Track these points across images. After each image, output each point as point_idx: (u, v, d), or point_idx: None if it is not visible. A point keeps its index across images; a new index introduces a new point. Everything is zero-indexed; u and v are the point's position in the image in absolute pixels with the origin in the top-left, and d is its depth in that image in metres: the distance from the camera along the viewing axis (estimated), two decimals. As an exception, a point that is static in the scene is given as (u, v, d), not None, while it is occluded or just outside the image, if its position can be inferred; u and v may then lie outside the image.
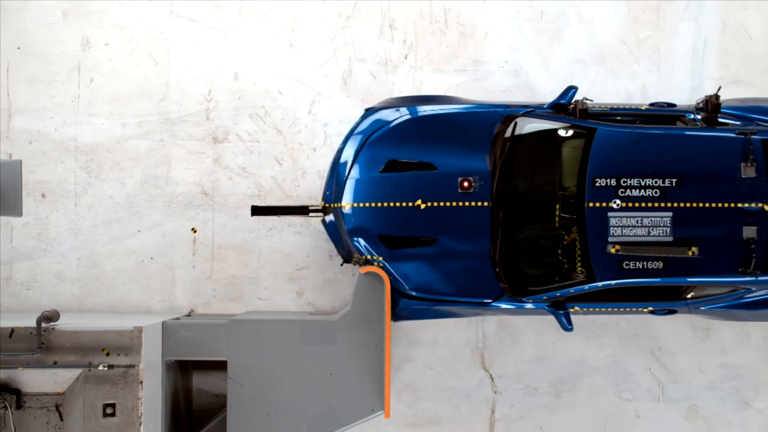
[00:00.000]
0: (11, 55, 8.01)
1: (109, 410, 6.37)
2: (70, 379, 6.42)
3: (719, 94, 6.84)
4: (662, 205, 6.49)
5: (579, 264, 6.64)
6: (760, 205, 6.49)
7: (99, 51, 8.06)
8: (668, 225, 6.48)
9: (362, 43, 8.11)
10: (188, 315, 7.88)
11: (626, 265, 6.51)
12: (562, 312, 6.73)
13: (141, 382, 6.39)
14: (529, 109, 6.86)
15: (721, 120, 6.83)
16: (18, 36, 8.02)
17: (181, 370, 7.52)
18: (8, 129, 7.95)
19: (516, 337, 8.02)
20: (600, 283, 6.53)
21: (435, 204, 6.70)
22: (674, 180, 6.50)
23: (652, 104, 7.08)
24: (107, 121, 8.01)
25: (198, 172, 8.01)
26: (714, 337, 8.04)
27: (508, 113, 6.84)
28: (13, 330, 6.40)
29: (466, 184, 6.67)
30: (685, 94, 8.03)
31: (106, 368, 6.36)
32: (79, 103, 8.01)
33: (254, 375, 6.79)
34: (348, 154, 6.93)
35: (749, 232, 6.49)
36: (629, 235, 6.48)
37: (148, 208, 7.98)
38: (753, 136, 6.55)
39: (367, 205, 6.78)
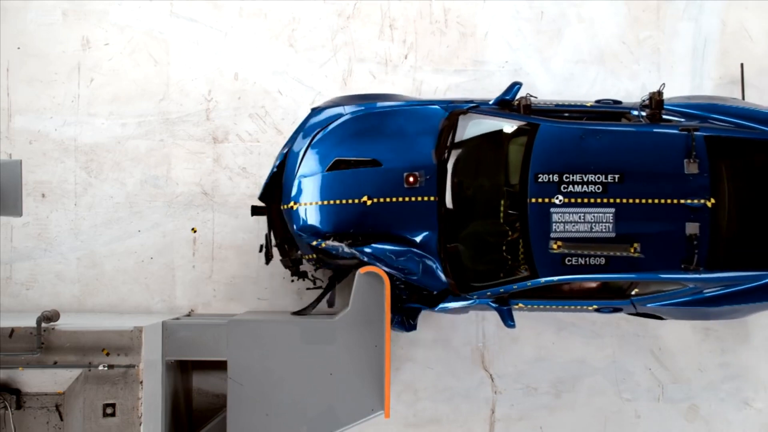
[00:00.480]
0: (11, 55, 8.01)
1: (109, 410, 6.37)
2: (70, 379, 6.42)
3: (662, 90, 6.80)
4: (604, 201, 6.48)
5: (522, 260, 6.63)
6: (702, 201, 6.49)
7: (99, 51, 8.06)
8: (611, 221, 6.47)
9: (362, 43, 8.11)
10: (188, 315, 7.88)
11: (568, 261, 6.50)
12: (505, 308, 6.72)
13: (141, 382, 6.39)
14: (473, 105, 6.86)
15: (665, 117, 6.79)
16: (18, 36, 8.02)
17: (181, 370, 7.52)
18: (8, 129, 7.95)
19: (516, 337, 8.02)
20: (542, 279, 6.52)
21: (381, 200, 6.69)
22: (617, 176, 6.49)
23: (597, 101, 7.05)
24: (107, 121, 8.01)
25: (198, 172, 8.01)
26: (714, 337, 8.05)
27: (453, 108, 6.83)
28: (13, 330, 6.39)
29: (411, 179, 6.65)
30: (685, 95, 8.03)
31: (106, 368, 6.36)
32: (79, 103, 8.02)
33: (254, 375, 6.79)
34: (294, 154, 6.94)
35: (692, 228, 6.47)
36: (571, 231, 6.47)
37: (148, 208, 7.98)
38: (696, 133, 6.55)
39: (314, 203, 6.79)
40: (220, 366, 7.06)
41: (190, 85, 8.05)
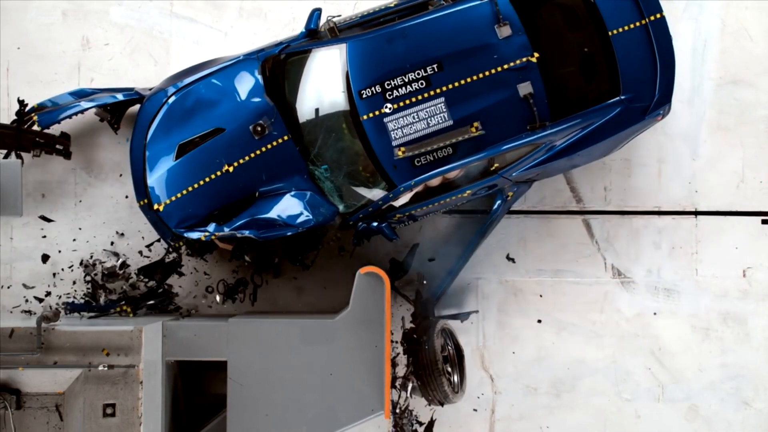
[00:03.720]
0: (11, 55, 8.00)
1: (109, 410, 6.37)
2: (70, 379, 6.42)
3: None
4: (431, 93, 6.51)
5: (378, 175, 6.67)
6: (525, 59, 6.49)
7: (99, 51, 8.05)
8: (444, 110, 6.51)
9: (362, 43, 8.09)
10: (188, 315, 7.88)
11: (418, 162, 6.56)
12: (384, 225, 6.80)
13: (141, 382, 6.39)
14: (283, 45, 6.88)
15: None
16: (18, 36, 8.02)
17: (181, 370, 7.51)
18: (8, 129, 7.94)
19: (516, 337, 8.02)
20: (401, 187, 6.58)
21: (241, 161, 6.70)
22: (435, 65, 6.50)
23: None
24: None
25: (198, 172, 7.99)
26: (714, 337, 8.05)
27: (265, 55, 6.85)
28: (13, 330, 6.40)
29: (259, 128, 6.68)
30: (685, 94, 8.03)
31: (106, 368, 6.36)
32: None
33: (254, 375, 6.79)
34: (137, 154, 6.96)
35: (524, 88, 6.51)
36: (411, 133, 6.52)
37: (148, 208, 7.97)
38: None
39: (178, 196, 6.78)
40: (220, 366, 7.06)
41: (190, 85, 8.04)
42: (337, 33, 6.77)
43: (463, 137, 6.48)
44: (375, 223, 6.80)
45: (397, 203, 6.80)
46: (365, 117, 6.55)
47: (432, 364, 6.77)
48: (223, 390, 6.88)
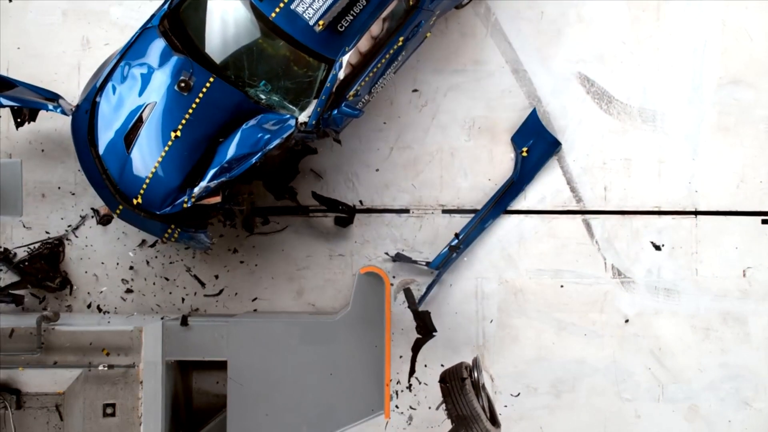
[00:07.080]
0: (11, 55, 8.01)
1: (109, 410, 6.38)
2: (70, 379, 6.42)
3: None
4: None
5: (313, 61, 6.68)
6: None
7: (99, 51, 8.05)
8: None
9: (362, 43, 8.10)
10: (188, 315, 7.88)
11: (341, 27, 6.61)
12: (342, 106, 6.81)
13: (141, 382, 6.40)
14: (168, 1, 6.89)
15: None
16: (18, 36, 8.02)
17: (181, 370, 7.52)
18: (8, 129, 7.94)
19: (516, 337, 8.02)
20: (343, 59, 6.60)
21: (183, 122, 6.73)
22: None
23: None
24: (107, 121, 8.00)
25: (198, 172, 8.00)
26: (714, 337, 8.05)
27: (159, 17, 6.84)
28: (13, 330, 6.40)
29: (183, 84, 6.70)
30: (685, 94, 8.04)
31: (106, 368, 6.37)
32: (79, 103, 8.00)
33: (254, 375, 6.80)
34: (90, 169, 6.96)
35: None
36: (321, 5, 6.52)
37: (148, 208, 7.97)
38: None
39: (147, 182, 6.78)
40: (220, 366, 7.07)
41: (190, 85, 8.04)
42: None
43: None
44: (335, 111, 6.81)
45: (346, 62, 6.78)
46: (273, 15, 6.58)
47: (464, 396, 6.58)
48: (223, 390, 6.88)
